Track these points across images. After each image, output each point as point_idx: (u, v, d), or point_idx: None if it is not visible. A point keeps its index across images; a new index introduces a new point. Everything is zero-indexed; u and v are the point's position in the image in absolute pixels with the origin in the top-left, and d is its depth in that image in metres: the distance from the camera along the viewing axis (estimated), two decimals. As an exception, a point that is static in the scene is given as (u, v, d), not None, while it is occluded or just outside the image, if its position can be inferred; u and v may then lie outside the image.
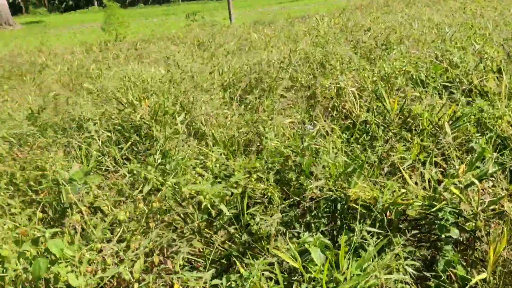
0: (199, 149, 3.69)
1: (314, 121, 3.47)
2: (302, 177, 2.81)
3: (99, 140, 4.13)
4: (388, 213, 2.52)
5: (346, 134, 3.43)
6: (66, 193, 2.76)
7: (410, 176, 2.77)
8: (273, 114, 4.16)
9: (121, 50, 9.60)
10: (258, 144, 4.01)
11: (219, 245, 2.49)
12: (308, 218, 2.81)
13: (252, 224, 2.56)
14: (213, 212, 2.60)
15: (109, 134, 4.38)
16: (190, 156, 3.61)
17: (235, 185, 2.67)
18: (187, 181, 2.62)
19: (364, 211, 2.55)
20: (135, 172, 2.92)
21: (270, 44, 8.41)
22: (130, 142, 4.20)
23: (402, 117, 3.54)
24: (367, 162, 2.93)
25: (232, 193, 2.71)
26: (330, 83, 4.43)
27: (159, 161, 3.70)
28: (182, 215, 2.55)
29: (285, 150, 3.05)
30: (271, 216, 2.71)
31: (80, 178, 3.33)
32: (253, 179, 2.86)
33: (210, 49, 8.88)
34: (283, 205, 2.89)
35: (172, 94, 5.00)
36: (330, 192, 2.68)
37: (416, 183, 2.65)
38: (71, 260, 2.04)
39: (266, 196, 3.13)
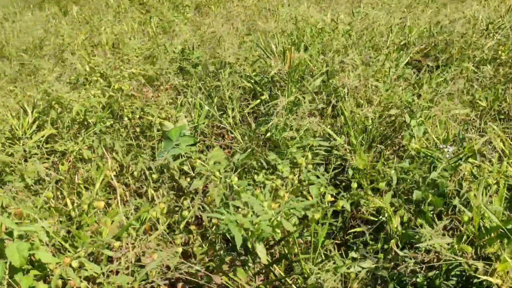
0: (323, 129, 2.90)
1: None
2: (419, 220, 1.82)
3: (227, 91, 3.65)
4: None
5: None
6: (108, 176, 2.33)
7: None
8: (438, 97, 3.01)
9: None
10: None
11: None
12: (420, 279, 1.86)
13: (306, 272, 1.75)
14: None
15: (248, 84, 3.86)
16: (308, 134, 2.86)
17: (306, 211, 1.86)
18: (248, 188, 1.91)
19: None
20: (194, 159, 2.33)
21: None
22: (259, 100, 3.61)
23: None
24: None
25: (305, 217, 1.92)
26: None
27: (268, 134, 3.06)
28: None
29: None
30: (358, 262, 1.87)
31: (175, 136, 2.93)
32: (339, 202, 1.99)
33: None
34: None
35: (328, 48, 4.15)
36: (460, 259, 1.66)
37: None
38: (48, 267, 1.63)
39: (380, 217, 2.25)
